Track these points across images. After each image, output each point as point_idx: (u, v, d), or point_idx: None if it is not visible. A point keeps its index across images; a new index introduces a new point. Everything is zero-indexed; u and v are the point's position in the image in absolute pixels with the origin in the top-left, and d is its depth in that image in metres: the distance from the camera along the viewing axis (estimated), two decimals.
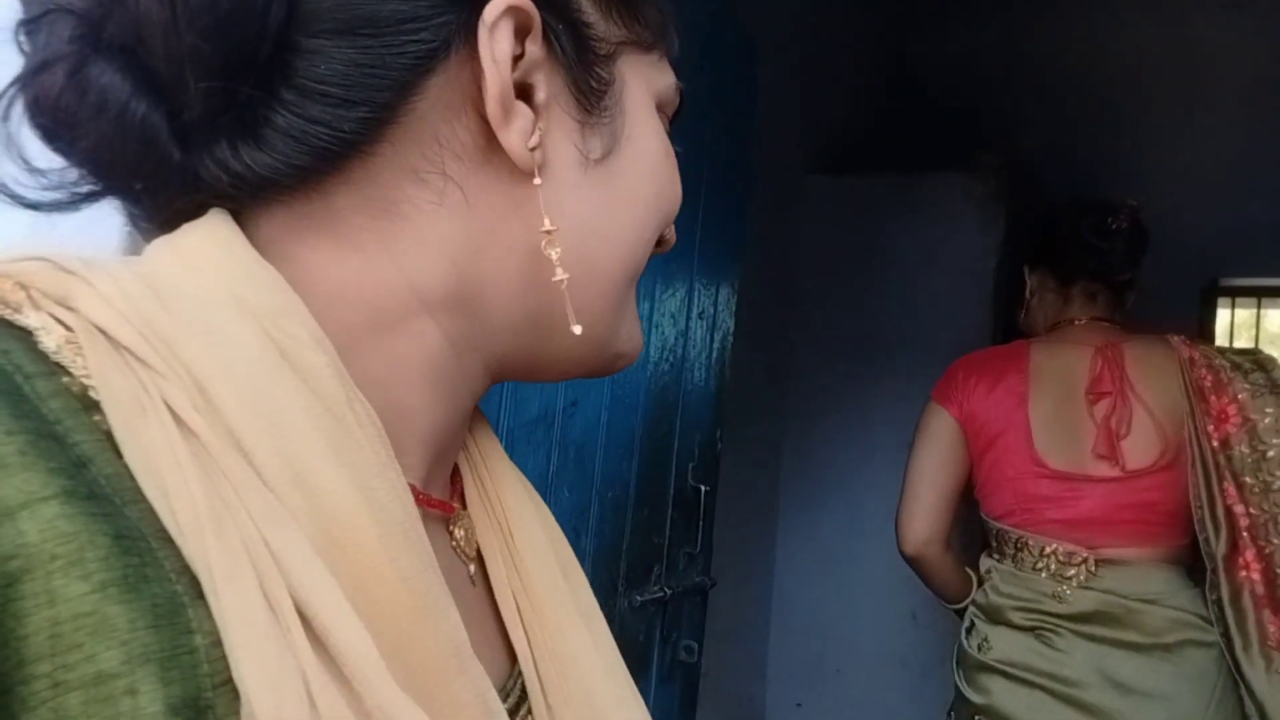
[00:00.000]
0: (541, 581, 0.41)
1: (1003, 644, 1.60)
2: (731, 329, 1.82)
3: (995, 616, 1.62)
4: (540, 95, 0.37)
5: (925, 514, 1.66)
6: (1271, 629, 1.48)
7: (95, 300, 0.29)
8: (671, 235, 0.44)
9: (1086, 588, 1.55)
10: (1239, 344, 3.36)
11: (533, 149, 0.36)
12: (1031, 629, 1.58)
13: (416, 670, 0.30)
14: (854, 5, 3.02)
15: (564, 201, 0.38)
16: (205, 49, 0.31)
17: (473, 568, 0.41)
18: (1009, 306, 2.24)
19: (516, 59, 0.36)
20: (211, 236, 0.34)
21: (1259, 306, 3.46)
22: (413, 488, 0.36)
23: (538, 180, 0.36)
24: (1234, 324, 3.47)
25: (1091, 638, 1.54)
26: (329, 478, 0.30)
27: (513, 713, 0.39)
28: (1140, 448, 1.58)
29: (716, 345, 1.77)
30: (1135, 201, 1.67)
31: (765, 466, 2.84)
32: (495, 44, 0.35)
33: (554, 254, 0.37)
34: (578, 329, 0.38)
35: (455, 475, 0.43)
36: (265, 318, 0.32)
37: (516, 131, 0.36)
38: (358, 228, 0.35)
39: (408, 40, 0.34)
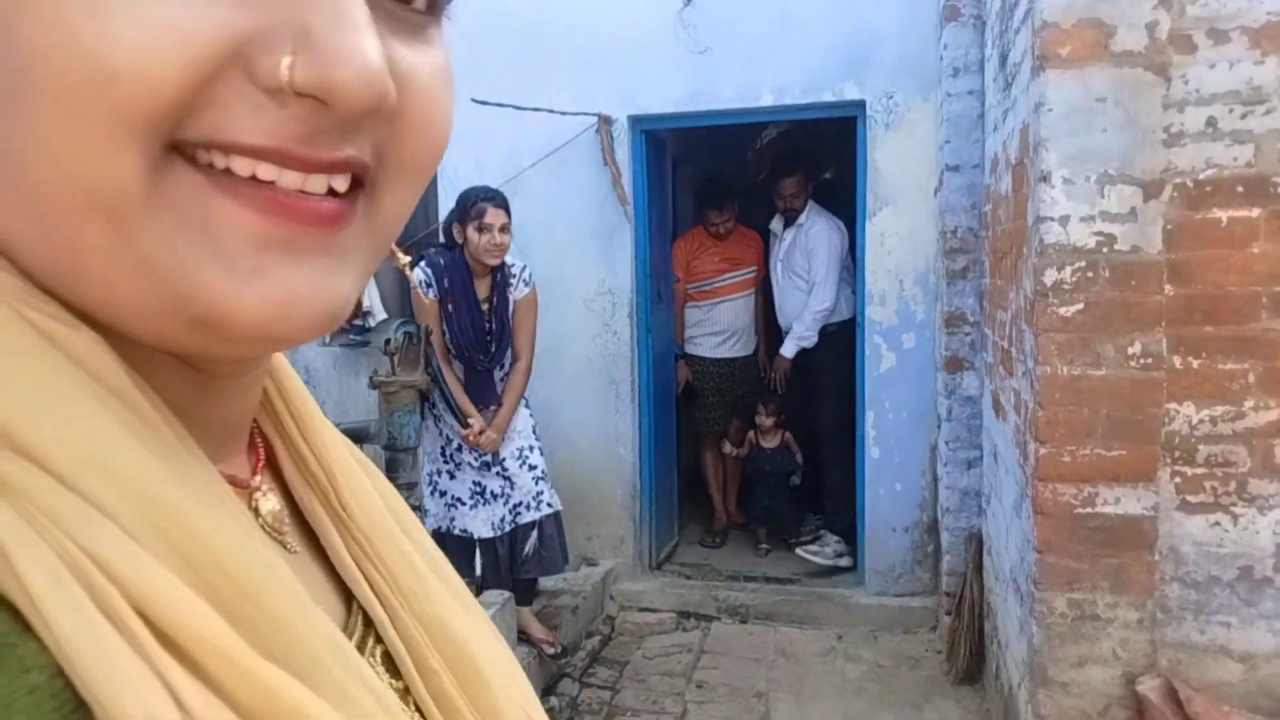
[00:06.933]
0: (381, 542, 0.38)
1: None
2: None
3: None
4: None
5: None
6: None
7: None
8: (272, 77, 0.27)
9: None
10: None
11: None
12: None
13: (266, 633, 0.29)
14: None
15: None
16: None
17: (289, 540, 0.38)
18: None
19: None
20: None
21: None
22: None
23: None
24: None
25: None
26: (135, 463, 0.27)
27: (358, 649, 0.37)
28: None
29: None
30: None
31: None
32: None
33: None
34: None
35: (253, 447, 0.39)
36: (11, 296, 0.28)
37: None
38: None
39: None
